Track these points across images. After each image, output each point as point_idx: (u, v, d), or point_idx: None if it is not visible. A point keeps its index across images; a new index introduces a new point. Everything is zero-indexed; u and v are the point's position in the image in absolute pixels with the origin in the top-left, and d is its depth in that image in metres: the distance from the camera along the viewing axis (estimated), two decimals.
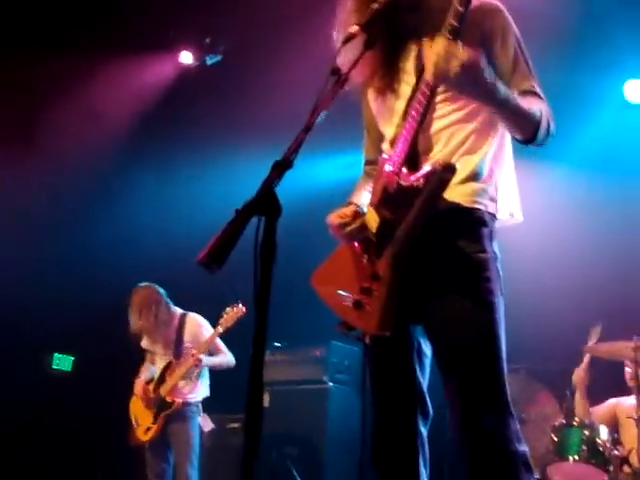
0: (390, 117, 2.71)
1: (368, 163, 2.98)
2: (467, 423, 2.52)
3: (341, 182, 7.97)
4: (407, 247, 2.53)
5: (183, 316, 6.28)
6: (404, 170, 2.55)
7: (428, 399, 2.74)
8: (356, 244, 2.72)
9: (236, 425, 7.00)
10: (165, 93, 7.97)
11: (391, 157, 2.62)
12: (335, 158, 7.75)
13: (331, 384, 7.08)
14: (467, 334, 2.54)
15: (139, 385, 6.22)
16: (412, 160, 2.57)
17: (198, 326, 6.23)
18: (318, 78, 2.38)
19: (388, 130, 2.75)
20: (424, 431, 2.71)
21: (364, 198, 2.78)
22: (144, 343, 6.36)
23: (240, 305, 6.02)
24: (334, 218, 2.74)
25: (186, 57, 7.94)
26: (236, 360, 6.25)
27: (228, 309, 6.05)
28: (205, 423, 6.21)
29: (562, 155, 6.65)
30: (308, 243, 7.13)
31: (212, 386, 6.33)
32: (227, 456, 6.70)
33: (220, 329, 6.06)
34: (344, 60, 2.43)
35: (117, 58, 7.56)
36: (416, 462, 2.67)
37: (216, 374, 6.33)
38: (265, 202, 1.99)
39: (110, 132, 7.85)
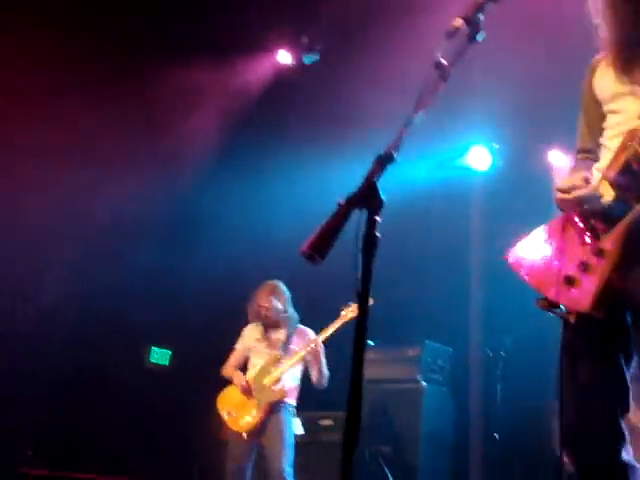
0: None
1: (581, 151, 2.89)
2: None
3: (434, 181, 7.99)
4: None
5: (300, 327, 6.37)
6: None
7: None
8: (578, 220, 2.63)
9: (328, 422, 7.03)
10: (264, 92, 8.06)
11: None
12: (427, 157, 7.73)
13: (425, 383, 7.04)
14: None
15: (239, 377, 6.30)
16: None
17: (307, 335, 6.29)
18: (415, 75, 2.37)
19: (634, 106, 2.63)
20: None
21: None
22: (251, 342, 6.43)
23: (353, 304, 5.94)
24: (563, 182, 2.67)
25: (284, 57, 8.01)
26: (327, 359, 6.28)
27: (344, 308, 6.06)
28: (296, 426, 6.26)
29: None
30: (402, 241, 7.13)
31: (305, 384, 6.35)
32: (319, 452, 6.75)
33: (334, 327, 6.09)
34: (447, 54, 2.41)
35: (217, 58, 7.68)
36: (619, 451, 2.56)
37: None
38: (367, 195, 2.00)
39: (211, 132, 7.98)
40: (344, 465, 1.97)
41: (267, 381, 6.14)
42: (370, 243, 1.98)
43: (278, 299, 6.34)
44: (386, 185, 2.10)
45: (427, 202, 7.63)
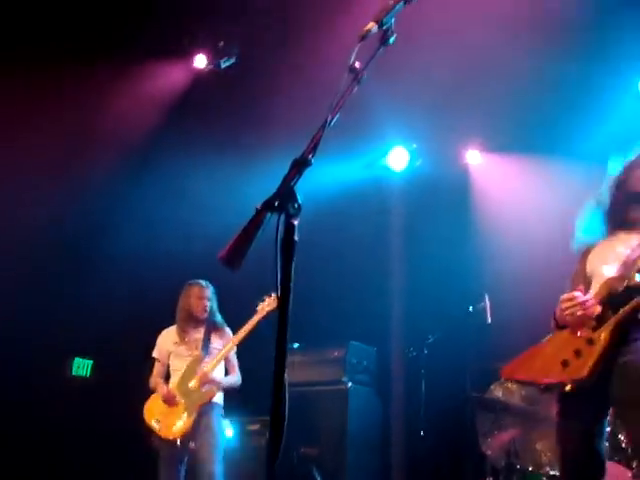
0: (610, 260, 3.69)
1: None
2: None
3: (360, 182, 8.07)
4: (622, 325, 3.46)
5: (222, 325, 6.35)
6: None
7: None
8: (571, 327, 3.60)
9: (256, 427, 7.01)
10: (180, 96, 8.00)
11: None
12: (347, 158, 7.80)
13: (350, 384, 7.07)
14: None
15: (161, 387, 6.22)
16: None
17: (225, 334, 6.29)
18: (332, 77, 2.39)
19: (609, 269, 3.64)
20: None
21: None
22: (171, 347, 6.35)
23: (273, 296, 5.92)
24: (565, 297, 3.61)
25: (200, 61, 7.96)
26: (252, 364, 6.23)
27: (260, 303, 6.10)
28: (226, 428, 6.23)
29: (579, 151, 6.69)
30: (327, 243, 7.17)
31: (232, 390, 6.34)
32: (248, 457, 6.73)
33: (252, 324, 6.09)
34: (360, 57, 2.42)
35: (132, 63, 7.59)
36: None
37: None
38: (284, 199, 2.00)
39: (127, 137, 7.87)
40: (269, 467, 1.98)
41: (193, 384, 6.07)
42: (288, 247, 1.98)
43: (209, 298, 6.33)
44: (305, 185, 2.11)
45: (347, 202, 7.69)
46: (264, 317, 6.10)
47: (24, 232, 7.47)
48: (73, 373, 8.57)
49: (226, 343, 6.20)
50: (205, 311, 6.28)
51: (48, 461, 7.54)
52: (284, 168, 2.15)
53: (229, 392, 6.30)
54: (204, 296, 6.31)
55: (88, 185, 7.75)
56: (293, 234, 1.99)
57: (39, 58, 7.13)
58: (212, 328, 6.27)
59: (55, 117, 7.41)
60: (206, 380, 6.05)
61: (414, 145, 8.25)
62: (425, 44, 6.34)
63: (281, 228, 2.00)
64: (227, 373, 6.32)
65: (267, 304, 6.09)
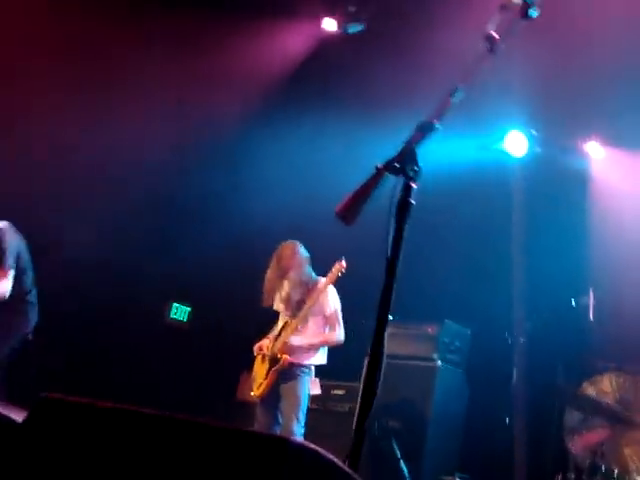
0: None
1: None
2: None
3: (474, 163, 7.93)
4: None
5: (316, 281, 6.30)
6: None
7: None
8: None
9: (340, 392, 7.07)
10: (307, 59, 8.01)
11: None
12: (469, 138, 7.67)
13: (440, 363, 7.03)
14: None
15: (257, 344, 6.34)
16: None
17: (324, 293, 6.21)
18: (459, 46, 2.35)
19: None
20: None
21: None
22: (275, 304, 6.43)
23: (342, 261, 6.01)
24: None
25: (329, 24, 7.95)
26: (345, 330, 6.22)
27: (334, 266, 6.07)
28: (314, 387, 6.25)
29: None
30: (431, 219, 7.08)
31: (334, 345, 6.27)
32: (330, 421, 6.79)
33: (325, 282, 6.10)
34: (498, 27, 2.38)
35: (263, 24, 7.66)
36: None
37: None
38: (405, 161, 1.99)
39: (253, 96, 7.95)
40: (356, 434, 1.99)
41: (276, 347, 6.17)
42: (403, 209, 1.98)
43: (298, 260, 6.29)
44: (424, 157, 2.08)
45: (464, 182, 7.57)
46: (336, 280, 6.07)
47: (131, 189, 7.70)
48: (172, 317, 8.82)
49: (308, 304, 6.15)
50: (294, 272, 6.25)
51: (141, 398, 7.78)
52: (402, 136, 2.13)
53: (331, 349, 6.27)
54: (293, 258, 6.28)
55: (211, 137, 7.87)
56: (410, 196, 1.98)
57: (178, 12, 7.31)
58: (306, 288, 6.24)
59: (182, 67, 7.57)
60: (285, 347, 6.11)
61: (533, 131, 8.05)
62: (558, 29, 6.16)
63: (398, 189, 1.99)
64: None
65: (337, 267, 6.05)
